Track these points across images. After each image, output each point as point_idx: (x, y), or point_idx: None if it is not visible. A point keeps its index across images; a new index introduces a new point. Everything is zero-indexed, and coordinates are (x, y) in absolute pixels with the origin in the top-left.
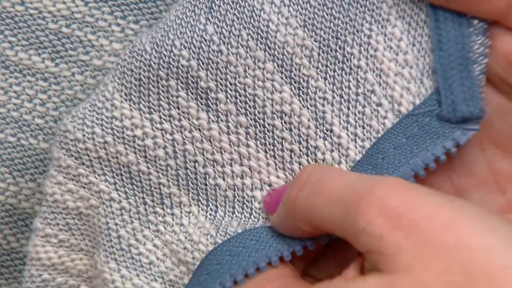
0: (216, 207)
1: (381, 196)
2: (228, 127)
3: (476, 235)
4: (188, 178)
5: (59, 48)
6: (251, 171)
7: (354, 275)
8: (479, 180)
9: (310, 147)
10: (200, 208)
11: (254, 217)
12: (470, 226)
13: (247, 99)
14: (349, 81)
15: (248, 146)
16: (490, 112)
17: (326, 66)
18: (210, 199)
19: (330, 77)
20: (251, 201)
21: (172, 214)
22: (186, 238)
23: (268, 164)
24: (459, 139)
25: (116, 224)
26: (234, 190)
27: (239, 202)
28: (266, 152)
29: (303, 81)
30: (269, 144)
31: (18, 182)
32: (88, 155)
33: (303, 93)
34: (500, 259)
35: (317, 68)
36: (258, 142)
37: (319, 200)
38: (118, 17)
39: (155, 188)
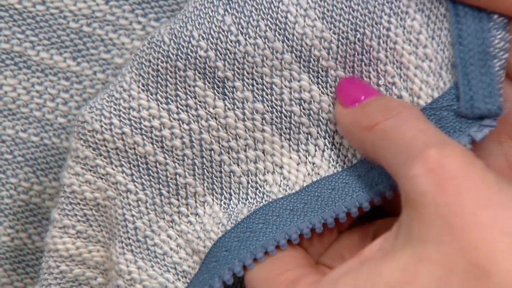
0: (230, 194)
1: (443, 154)
2: (244, 114)
3: None
4: (204, 167)
5: (80, 47)
6: (264, 154)
7: (379, 254)
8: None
9: (329, 130)
10: (214, 197)
11: (265, 200)
12: (510, 209)
13: (264, 86)
14: (370, 72)
15: (263, 131)
16: (509, 108)
17: (345, 57)
18: (224, 187)
19: (349, 67)
20: (263, 185)
21: (187, 204)
22: (201, 228)
23: (282, 147)
24: (475, 135)
25: (132, 216)
26: (248, 176)
27: (252, 187)
28: (281, 135)
29: (322, 70)
30: (285, 128)
31: (41, 181)
32: (106, 146)
33: (322, 81)
34: None
35: (336, 59)
36: (274, 126)
37: (397, 134)
38: (139, 15)
39: (171, 178)
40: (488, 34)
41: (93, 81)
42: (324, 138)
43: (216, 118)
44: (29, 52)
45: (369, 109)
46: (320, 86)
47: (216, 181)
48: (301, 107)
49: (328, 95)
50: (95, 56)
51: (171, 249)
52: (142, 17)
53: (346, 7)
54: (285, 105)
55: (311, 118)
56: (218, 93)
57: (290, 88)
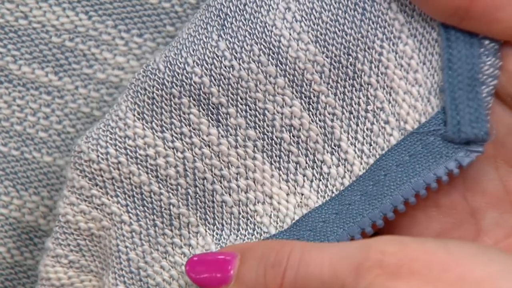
0: (222, 225)
1: (377, 259)
2: (236, 141)
3: (478, 268)
4: (197, 196)
5: (62, 62)
6: (255, 183)
7: None
8: (493, 199)
9: (317, 160)
10: (207, 228)
11: (257, 232)
12: (470, 262)
13: (257, 112)
14: (359, 98)
15: (254, 158)
16: (497, 134)
17: (337, 82)
18: (216, 217)
19: (340, 93)
20: (254, 215)
21: (180, 235)
22: None
23: (272, 176)
24: (462, 160)
25: (126, 247)
26: (239, 206)
27: (243, 218)
28: (271, 164)
29: (314, 96)
30: (276, 156)
31: (21, 195)
32: (102, 176)
33: (312, 108)
34: (505, 284)
35: (328, 84)
36: (265, 154)
37: (310, 282)
38: (122, 31)
39: (165, 209)
40: (478, 60)
41: (75, 95)
42: (312, 168)
43: (209, 146)
44: (11, 66)
45: (250, 279)
46: (310, 113)
47: (209, 211)
48: (291, 134)
49: (317, 123)
50: (77, 71)
51: (163, 280)
52: (125, 32)
53: (339, 31)
54: (275, 131)
55: (299, 146)
56: (212, 120)
57: (282, 114)
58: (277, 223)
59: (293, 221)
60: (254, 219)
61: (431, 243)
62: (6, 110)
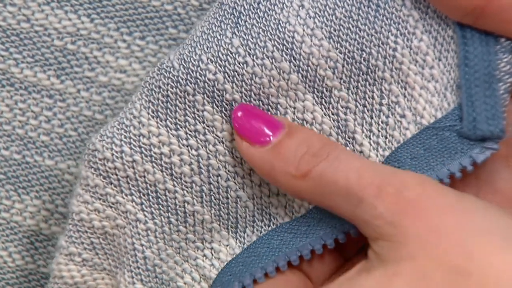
0: (237, 219)
1: (399, 186)
2: None
3: (478, 219)
4: (211, 193)
5: (64, 65)
6: None
7: (356, 275)
8: (505, 197)
9: None
10: (221, 223)
11: (273, 223)
12: (472, 212)
13: (269, 107)
14: (373, 92)
15: None
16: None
17: (350, 77)
18: (231, 212)
19: (353, 87)
20: (269, 206)
21: (194, 231)
22: (212, 255)
23: None
24: (476, 157)
25: (142, 245)
26: (253, 199)
27: (259, 209)
28: None
29: (326, 90)
30: None
31: (23, 199)
32: (117, 174)
33: (325, 102)
34: (496, 240)
35: (341, 79)
36: None
37: (335, 180)
38: (124, 33)
39: (179, 206)
40: (494, 57)
41: (77, 99)
42: None
43: (223, 142)
44: (13, 69)
45: (288, 152)
46: (323, 107)
47: (223, 207)
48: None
49: (330, 116)
50: (79, 74)
51: (176, 274)
52: (127, 35)
53: (352, 26)
54: None
55: None
56: (226, 116)
57: (294, 108)
58: (293, 214)
59: (308, 210)
60: (269, 209)
61: (446, 187)
62: (7, 114)
